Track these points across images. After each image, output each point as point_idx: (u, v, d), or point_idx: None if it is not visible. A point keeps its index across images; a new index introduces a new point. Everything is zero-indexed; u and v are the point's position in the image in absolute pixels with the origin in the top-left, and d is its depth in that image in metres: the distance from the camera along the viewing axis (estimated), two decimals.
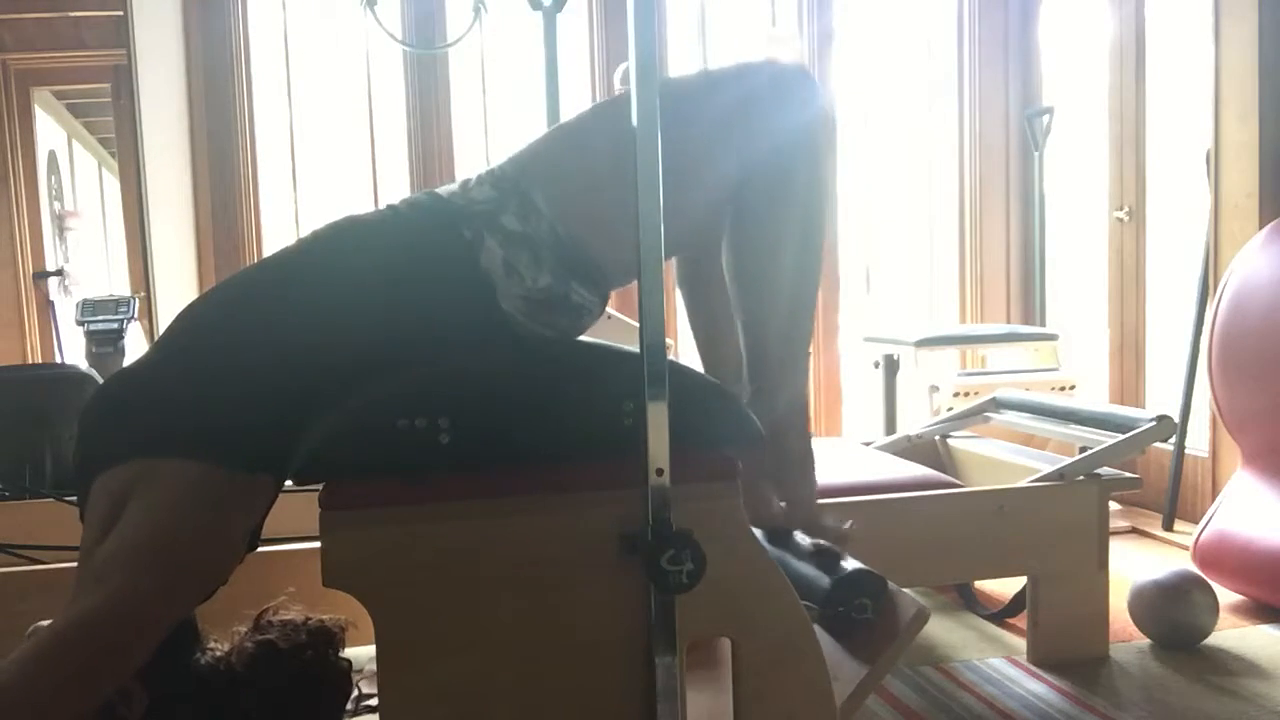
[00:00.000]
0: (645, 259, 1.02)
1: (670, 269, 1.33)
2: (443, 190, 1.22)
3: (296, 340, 1.15)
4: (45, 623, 1.15)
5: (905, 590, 1.29)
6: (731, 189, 1.20)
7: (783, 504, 1.44)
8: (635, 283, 1.05)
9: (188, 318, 1.22)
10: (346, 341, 1.14)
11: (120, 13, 2.88)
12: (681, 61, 3.49)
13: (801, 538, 1.42)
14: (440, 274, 1.15)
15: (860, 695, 1.19)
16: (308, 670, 1.33)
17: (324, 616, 1.38)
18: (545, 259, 1.14)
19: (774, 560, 1.14)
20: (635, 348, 1.05)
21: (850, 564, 1.31)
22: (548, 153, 1.22)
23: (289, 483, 1.15)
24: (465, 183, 1.21)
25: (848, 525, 1.45)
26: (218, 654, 1.33)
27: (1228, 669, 1.84)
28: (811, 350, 1.29)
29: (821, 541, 1.42)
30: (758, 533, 1.44)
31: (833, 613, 1.27)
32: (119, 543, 1.10)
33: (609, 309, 2.64)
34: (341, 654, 1.38)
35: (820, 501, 1.70)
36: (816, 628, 1.27)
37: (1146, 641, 1.97)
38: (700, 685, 1.31)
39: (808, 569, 1.33)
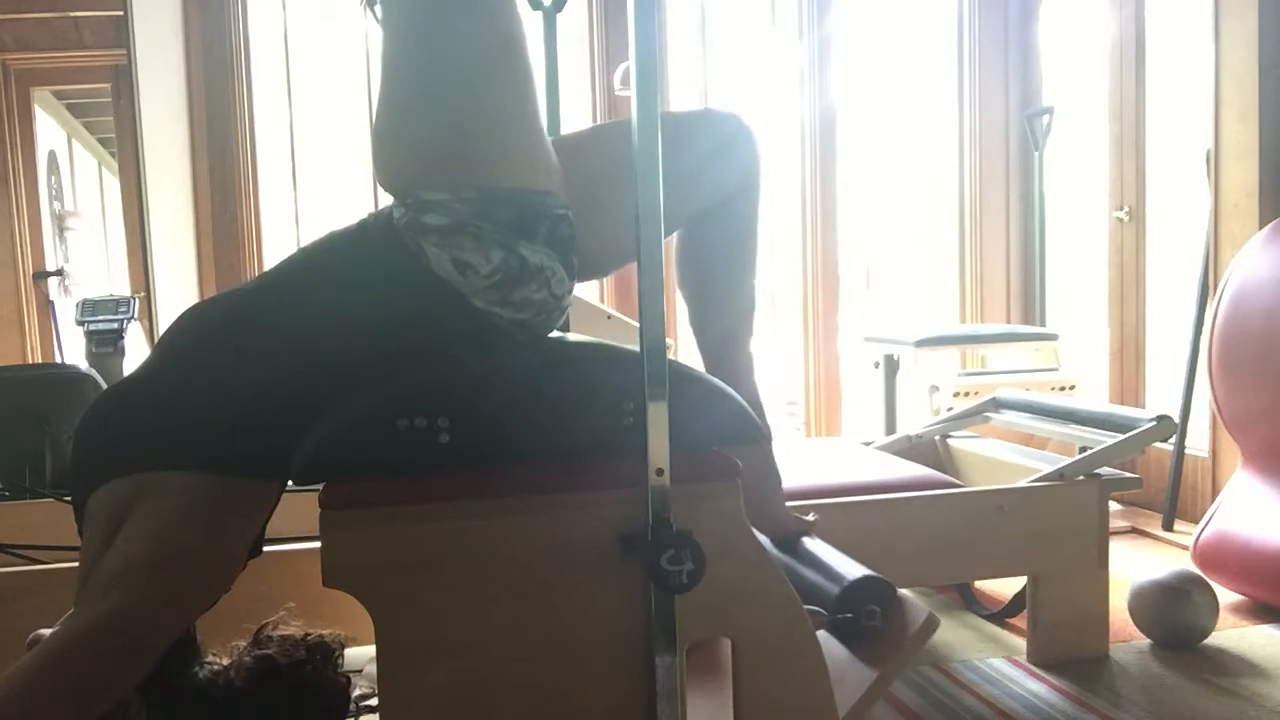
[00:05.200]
0: (645, 259, 1.02)
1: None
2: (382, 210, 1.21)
3: (290, 350, 1.15)
4: (46, 631, 1.15)
5: (914, 597, 1.29)
6: (676, 222, 1.34)
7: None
8: (634, 285, 1.05)
9: (182, 329, 1.22)
10: (336, 353, 1.15)
11: (120, 13, 2.88)
12: (682, 61, 3.49)
13: (813, 544, 1.42)
14: (405, 291, 1.14)
15: (868, 701, 1.19)
16: (307, 685, 1.33)
17: (323, 631, 1.38)
18: (484, 232, 1.12)
19: (774, 560, 1.14)
20: (635, 348, 1.05)
21: (859, 570, 1.31)
22: (394, 153, 1.20)
23: (289, 483, 1.15)
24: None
25: (810, 517, 1.50)
26: (216, 668, 1.33)
27: (1228, 669, 1.84)
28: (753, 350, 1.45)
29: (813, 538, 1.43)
30: (763, 538, 1.44)
31: (841, 619, 1.27)
32: (123, 554, 1.10)
33: (609, 309, 2.64)
34: (340, 669, 1.38)
35: (815, 502, 1.72)
36: (824, 634, 1.27)
37: (1146, 641, 1.97)
38: (700, 685, 1.31)
39: (816, 575, 1.33)
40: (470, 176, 1.13)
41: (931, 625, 1.24)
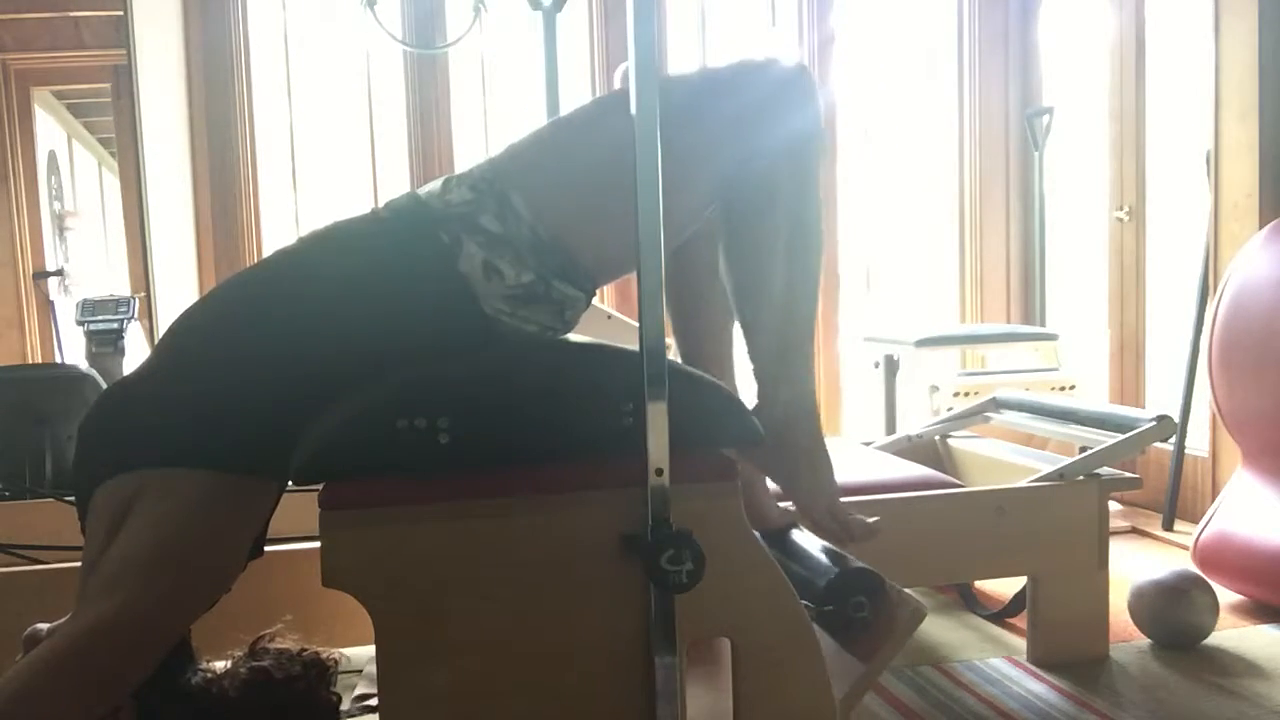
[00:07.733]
0: (645, 259, 1.02)
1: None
2: (423, 191, 1.21)
3: (290, 347, 1.15)
4: (43, 626, 1.15)
5: (902, 588, 1.29)
6: (718, 193, 1.21)
7: (787, 505, 1.44)
8: (635, 285, 1.05)
9: (183, 326, 1.22)
10: (336, 349, 1.15)
11: (120, 13, 2.89)
12: (681, 62, 3.49)
13: (799, 537, 1.42)
14: (419, 283, 1.14)
15: (857, 693, 1.19)
16: (298, 701, 1.33)
17: (319, 649, 1.38)
18: (527, 259, 1.13)
19: (774, 560, 1.14)
20: (635, 348, 1.05)
21: (847, 562, 1.31)
22: (527, 154, 1.21)
23: (289, 483, 1.15)
24: (446, 182, 1.20)
25: (873, 520, 1.38)
26: (209, 675, 1.33)
27: (1228, 669, 1.84)
28: (813, 349, 1.31)
29: (828, 545, 1.41)
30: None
31: (829, 611, 1.26)
32: (126, 553, 1.10)
33: (609, 309, 2.64)
34: (333, 688, 1.38)
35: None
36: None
37: (1146, 641, 1.97)
38: (700, 685, 1.31)
39: (802, 568, 1.33)
40: (559, 228, 1.14)
41: (918, 615, 1.23)
